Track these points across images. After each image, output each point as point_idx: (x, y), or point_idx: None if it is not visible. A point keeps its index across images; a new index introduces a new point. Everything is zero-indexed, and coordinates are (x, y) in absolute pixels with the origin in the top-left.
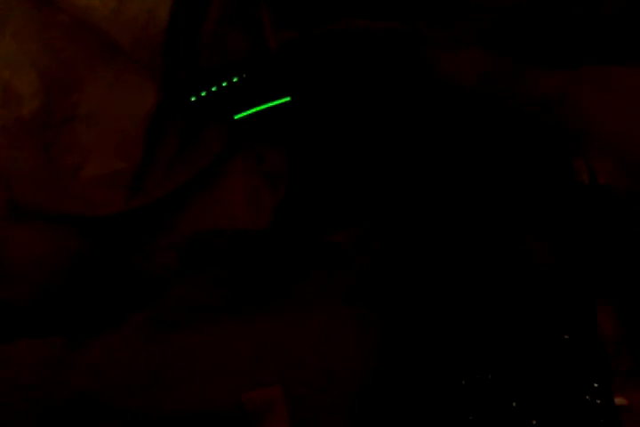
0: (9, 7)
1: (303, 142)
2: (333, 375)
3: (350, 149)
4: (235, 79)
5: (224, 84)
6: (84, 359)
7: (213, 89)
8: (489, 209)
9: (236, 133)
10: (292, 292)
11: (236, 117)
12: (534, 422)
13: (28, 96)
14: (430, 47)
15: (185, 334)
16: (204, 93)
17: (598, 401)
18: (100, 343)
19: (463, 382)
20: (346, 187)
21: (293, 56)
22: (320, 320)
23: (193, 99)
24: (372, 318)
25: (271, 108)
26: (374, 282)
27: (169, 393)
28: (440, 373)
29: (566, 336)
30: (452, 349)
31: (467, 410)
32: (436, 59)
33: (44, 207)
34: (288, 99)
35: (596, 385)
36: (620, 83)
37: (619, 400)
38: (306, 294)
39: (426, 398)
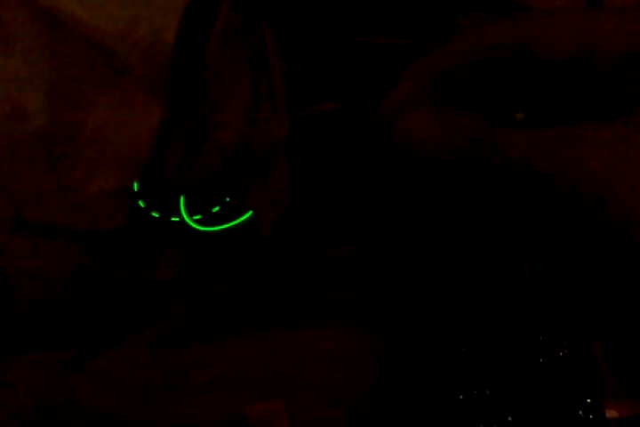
0: (20, 26)
1: (305, 156)
2: (338, 390)
3: (354, 163)
4: None
5: None
6: (86, 375)
7: None
8: (491, 233)
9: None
10: (296, 307)
11: None
12: None
13: (35, 113)
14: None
15: (190, 349)
16: None
17: (591, 416)
18: (106, 358)
19: (461, 397)
20: (350, 201)
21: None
22: (325, 336)
23: None
24: (376, 334)
25: None
26: (379, 298)
27: (176, 406)
28: (439, 388)
29: (561, 353)
30: (451, 365)
31: (464, 424)
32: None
33: (50, 222)
34: None
35: (589, 401)
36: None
37: (610, 414)
38: (311, 309)
39: (425, 412)
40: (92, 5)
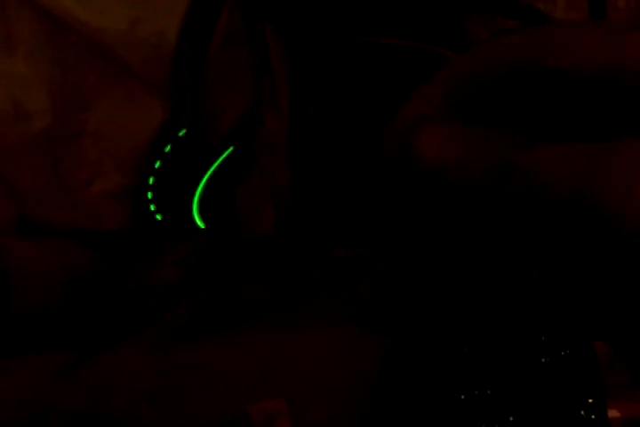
0: (22, 27)
1: (307, 156)
2: (336, 390)
3: (356, 164)
4: None
5: None
6: (87, 376)
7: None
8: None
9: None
10: (295, 307)
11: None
12: None
13: (38, 114)
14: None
15: (190, 351)
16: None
17: (593, 416)
18: (106, 359)
19: (462, 397)
20: (351, 202)
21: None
22: (325, 337)
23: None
24: (376, 335)
25: None
26: (381, 298)
27: (177, 406)
28: (440, 388)
29: (563, 353)
30: (452, 365)
31: (466, 424)
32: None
33: (53, 222)
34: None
35: (590, 401)
36: None
37: (612, 413)
38: (310, 310)
39: (426, 412)
40: (94, 6)
